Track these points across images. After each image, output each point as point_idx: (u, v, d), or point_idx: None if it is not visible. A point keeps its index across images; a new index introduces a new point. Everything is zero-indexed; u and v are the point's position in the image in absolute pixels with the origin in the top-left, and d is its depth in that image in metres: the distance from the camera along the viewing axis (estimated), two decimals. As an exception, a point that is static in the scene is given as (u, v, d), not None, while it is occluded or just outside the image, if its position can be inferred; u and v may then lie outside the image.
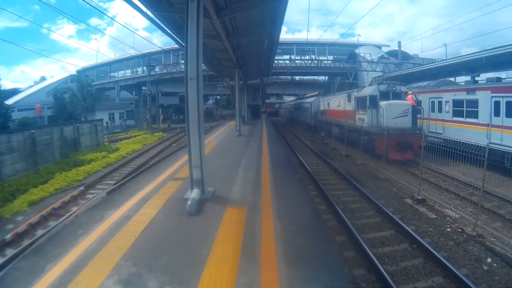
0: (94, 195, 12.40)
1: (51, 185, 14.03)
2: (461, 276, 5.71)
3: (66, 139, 20.28)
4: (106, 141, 27.49)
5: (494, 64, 22.15)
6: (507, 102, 13.90)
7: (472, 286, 5.43)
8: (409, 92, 18.67)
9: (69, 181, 14.97)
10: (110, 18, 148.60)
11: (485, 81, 17.41)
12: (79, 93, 42.15)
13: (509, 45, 20.08)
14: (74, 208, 11.09)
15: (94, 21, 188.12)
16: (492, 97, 14.68)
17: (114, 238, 4.92)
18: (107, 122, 34.12)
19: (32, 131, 17.16)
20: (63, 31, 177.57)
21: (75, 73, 55.73)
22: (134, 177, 12.15)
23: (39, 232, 9.31)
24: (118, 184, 12.82)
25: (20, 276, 3.92)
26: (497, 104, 14.40)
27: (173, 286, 3.65)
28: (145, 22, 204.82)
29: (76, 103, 41.87)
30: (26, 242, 8.52)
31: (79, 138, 22.01)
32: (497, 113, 14.39)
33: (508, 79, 18.18)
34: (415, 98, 18.69)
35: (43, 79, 61.84)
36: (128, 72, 55.40)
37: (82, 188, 13.40)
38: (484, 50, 22.24)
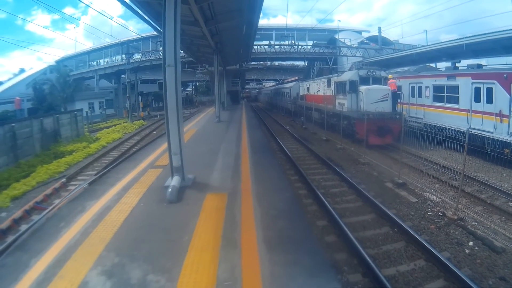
0: (76, 186, 12.23)
1: (33, 179, 13.74)
2: (443, 259, 5.73)
3: (46, 131, 19.84)
4: (86, 131, 27.05)
5: (475, 51, 22.37)
6: (487, 89, 14.02)
7: (454, 269, 5.43)
8: (390, 76, 18.60)
9: (50, 173, 14.70)
10: (86, 5, 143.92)
11: (466, 67, 17.63)
12: (58, 83, 41.07)
13: (490, 33, 20.28)
14: (57, 201, 10.90)
15: (69, 10, 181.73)
16: (472, 83, 14.82)
17: (96, 229, 4.92)
18: (86, 112, 33.52)
19: (12, 124, 16.79)
20: (38, 21, 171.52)
21: (54, 63, 54.29)
22: (114, 167, 12.04)
23: (23, 227, 9.14)
24: (99, 174, 12.67)
25: (5, 273, 3.90)
26: (477, 90, 14.54)
27: (156, 275, 3.69)
28: (120, 10, 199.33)
29: (56, 94, 40.79)
30: (10, 239, 8.37)
31: (59, 130, 21.54)
32: (477, 99, 14.52)
33: (488, 66, 18.41)
34: (396, 83, 18.70)
35: (22, 71, 59.56)
36: (107, 60, 54.16)
37: (63, 180, 13.18)
38: (465, 37, 22.42)
